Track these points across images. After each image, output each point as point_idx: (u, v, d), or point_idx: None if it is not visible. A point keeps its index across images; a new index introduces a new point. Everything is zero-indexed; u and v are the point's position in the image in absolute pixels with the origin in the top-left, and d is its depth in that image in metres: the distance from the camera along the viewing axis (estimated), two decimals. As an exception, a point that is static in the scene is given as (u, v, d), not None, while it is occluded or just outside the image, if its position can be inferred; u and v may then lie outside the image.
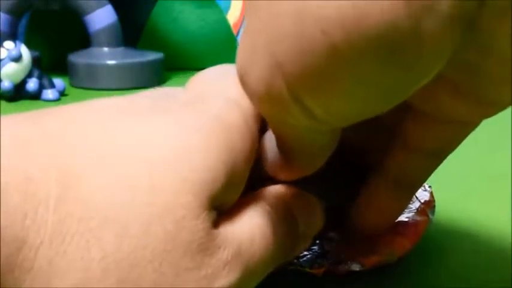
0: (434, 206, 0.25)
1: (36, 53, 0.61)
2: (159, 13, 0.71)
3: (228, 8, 0.72)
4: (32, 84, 0.56)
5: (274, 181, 0.20)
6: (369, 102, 0.14)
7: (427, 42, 0.12)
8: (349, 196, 0.22)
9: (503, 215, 0.29)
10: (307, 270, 0.22)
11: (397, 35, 0.12)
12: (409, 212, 0.24)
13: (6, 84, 0.55)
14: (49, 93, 0.57)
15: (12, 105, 0.55)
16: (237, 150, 0.17)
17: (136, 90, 0.62)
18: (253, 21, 0.14)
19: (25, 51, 0.56)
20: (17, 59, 0.55)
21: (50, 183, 0.15)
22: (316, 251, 0.22)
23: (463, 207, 0.30)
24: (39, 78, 0.57)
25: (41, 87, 0.57)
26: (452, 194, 0.31)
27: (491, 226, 0.28)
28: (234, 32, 0.72)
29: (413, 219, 0.24)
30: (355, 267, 0.22)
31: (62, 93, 0.59)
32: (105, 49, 0.64)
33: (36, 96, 0.57)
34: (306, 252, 0.22)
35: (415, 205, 0.25)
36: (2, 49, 0.54)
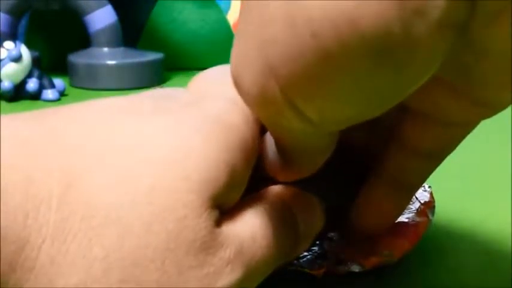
0: (434, 207, 0.25)
1: (36, 53, 0.61)
2: (159, 13, 0.71)
3: (228, 8, 0.72)
4: (32, 85, 0.56)
5: (276, 181, 0.20)
6: (363, 106, 0.14)
7: (419, 46, 0.12)
8: (349, 196, 0.22)
9: (503, 215, 0.29)
10: (307, 271, 0.22)
11: (389, 39, 0.12)
12: (409, 212, 0.24)
13: (6, 85, 0.55)
14: (49, 94, 0.57)
15: (12, 105, 0.55)
16: (237, 150, 0.17)
17: (136, 90, 0.62)
18: (245, 24, 0.14)
19: (25, 52, 0.56)
20: (17, 59, 0.55)
21: (52, 182, 0.15)
22: (316, 252, 0.22)
23: (463, 207, 0.30)
24: (39, 78, 0.57)
25: (41, 87, 0.57)
26: (452, 194, 0.31)
27: (491, 226, 0.28)
28: (234, 32, 0.71)
29: (413, 220, 0.24)
30: (355, 268, 0.22)
31: (62, 93, 0.59)
32: (105, 49, 0.64)
33: (36, 96, 0.57)
34: (305, 253, 0.22)
35: (415, 206, 0.25)
36: (2, 49, 0.54)
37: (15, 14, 0.63)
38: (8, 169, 0.15)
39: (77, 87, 0.63)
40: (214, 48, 0.72)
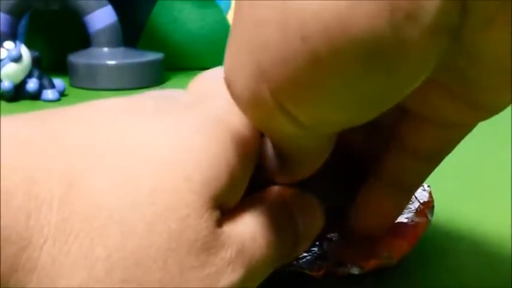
0: (433, 207, 0.25)
1: (36, 53, 0.61)
2: (159, 13, 0.71)
3: (228, 8, 0.72)
4: (32, 85, 0.56)
5: (276, 182, 0.20)
6: (354, 110, 0.14)
7: (411, 50, 0.12)
8: (348, 197, 0.22)
9: (503, 216, 0.29)
10: (307, 272, 0.22)
11: (380, 43, 0.12)
12: (409, 212, 0.24)
13: (6, 85, 0.55)
14: (49, 94, 0.57)
15: (12, 105, 0.55)
16: (238, 150, 0.17)
17: (136, 91, 0.62)
18: (238, 27, 0.14)
19: (25, 52, 0.56)
20: (17, 59, 0.55)
21: (53, 183, 0.15)
22: (315, 253, 0.22)
23: (462, 207, 0.30)
24: (39, 78, 0.57)
25: (41, 87, 0.57)
26: (451, 195, 0.31)
27: (491, 227, 0.28)
28: (234, 32, 0.71)
29: (412, 221, 0.24)
30: (355, 270, 0.22)
31: (62, 94, 0.59)
32: (105, 49, 0.64)
33: (36, 96, 0.57)
34: (305, 254, 0.22)
35: (414, 205, 0.25)
36: (2, 49, 0.54)
37: (15, 14, 0.63)
38: (9, 170, 0.15)
39: (77, 87, 0.63)
40: (214, 48, 0.72)
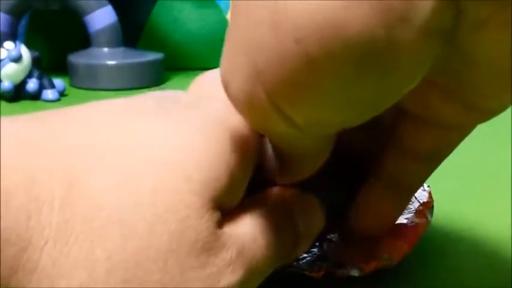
0: (432, 207, 0.25)
1: (36, 53, 0.61)
2: (159, 13, 0.71)
3: (228, 8, 0.72)
4: (32, 85, 0.56)
5: (276, 183, 0.20)
6: (350, 111, 0.14)
7: (404, 52, 0.12)
8: (349, 197, 0.22)
9: (503, 216, 0.29)
10: (307, 273, 0.22)
11: (374, 45, 0.12)
12: (408, 212, 0.24)
13: (6, 85, 0.55)
14: (49, 94, 0.57)
15: (12, 105, 0.55)
16: (238, 151, 0.17)
17: (136, 91, 0.62)
18: (234, 29, 0.14)
19: (25, 52, 0.56)
20: (17, 59, 0.55)
21: (54, 184, 0.15)
22: (315, 253, 0.22)
23: (462, 208, 0.30)
24: (39, 78, 0.57)
25: (41, 87, 0.57)
26: (451, 195, 0.31)
27: (491, 227, 0.28)
28: (234, 32, 0.71)
29: (412, 222, 0.24)
30: (355, 272, 0.22)
31: (62, 94, 0.59)
32: (105, 49, 0.64)
33: (36, 96, 0.57)
34: (305, 255, 0.22)
35: (414, 205, 0.25)
36: (2, 49, 0.54)
37: (15, 14, 0.63)
38: (10, 170, 0.15)
39: (77, 87, 0.63)
40: (214, 48, 0.71)
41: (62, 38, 0.71)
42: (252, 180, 0.18)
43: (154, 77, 0.65)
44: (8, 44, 0.55)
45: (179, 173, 0.16)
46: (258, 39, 0.13)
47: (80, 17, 0.64)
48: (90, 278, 0.15)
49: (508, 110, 0.18)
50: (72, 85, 0.64)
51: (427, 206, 0.25)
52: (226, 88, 0.15)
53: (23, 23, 0.69)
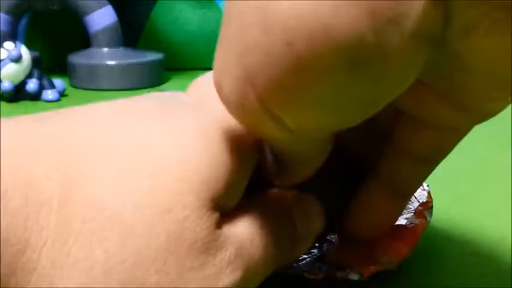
0: (431, 207, 0.25)
1: (36, 54, 0.61)
2: (159, 13, 0.71)
3: (228, 8, 0.72)
4: (32, 85, 0.56)
5: (276, 185, 0.20)
6: (340, 114, 0.14)
7: (393, 56, 0.12)
8: (348, 198, 0.22)
9: (503, 216, 0.29)
10: (306, 275, 0.22)
11: (363, 48, 0.12)
12: (408, 212, 0.24)
13: (6, 85, 0.55)
14: (49, 94, 0.57)
15: (13, 105, 0.55)
16: (237, 152, 0.17)
17: (136, 91, 0.62)
18: (226, 31, 0.14)
19: (25, 52, 0.56)
20: (17, 59, 0.55)
21: (53, 185, 0.15)
22: (315, 254, 0.22)
23: (462, 208, 0.30)
24: (39, 78, 0.57)
25: (41, 87, 0.57)
26: (452, 195, 0.31)
27: (492, 228, 0.28)
28: (234, 32, 0.71)
29: (411, 223, 0.24)
30: (354, 276, 0.22)
31: (62, 94, 0.59)
32: (105, 49, 0.64)
33: (36, 96, 0.57)
34: (305, 256, 0.22)
35: (413, 205, 0.25)
36: (2, 50, 0.54)
37: (15, 14, 0.63)
38: (9, 172, 0.15)
39: (77, 87, 0.63)
40: (214, 48, 0.71)
41: (62, 38, 0.71)
42: (252, 181, 0.18)
43: (154, 77, 0.65)
44: (8, 44, 0.55)
45: (178, 173, 0.16)
46: (248, 41, 0.13)
47: (80, 17, 0.64)
48: (89, 278, 0.15)
49: (508, 111, 0.18)
50: (72, 85, 0.64)
51: (427, 207, 0.25)
52: (219, 90, 0.15)
53: (23, 23, 0.69)
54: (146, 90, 0.61)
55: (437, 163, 0.20)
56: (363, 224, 0.21)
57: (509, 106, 0.17)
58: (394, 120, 0.19)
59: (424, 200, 0.25)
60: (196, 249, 0.16)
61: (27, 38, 0.69)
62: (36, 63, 0.58)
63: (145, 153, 0.16)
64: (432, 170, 0.20)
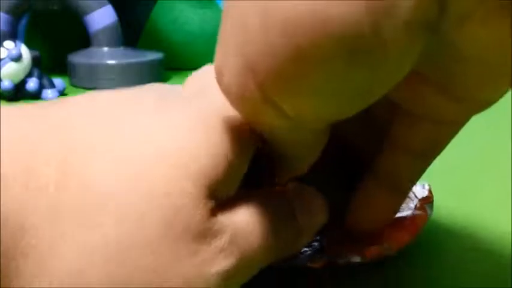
0: (432, 202, 0.25)
1: (36, 53, 0.61)
2: (159, 13, 0.71)
3: (228, 8, 0.72)
4: (32, 84, 0.56)
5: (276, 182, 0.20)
6: (339, 103, 0.14)
7: (390, 45, 0.12)
8: (344, 195, 0.22)
9: (503, 212, 0.29)
10: (308, 264, 0.22)
11: (359, 38, 0.12)
12: (408, 209, 0.24)
13: (7, 84, 0.55)
14: (49, 93, 0.57)
15: (13, 105, 0.55)
16: (236, 141, 0.17)
17: (136, 90, 0.62)
18: (226, 22, 0.14)
19: (25, 51, 0.56)
20: (17, 58, 0.55)
21: (50, 170, 0.15)
22: (316, 247, 0.22)
23: (463, 204, 0.30)
24: (39, 78, 0.57)
25: (41, 86, 0.57)
26: (452, 191, 0.31)
27: (492, 223, 0.28)
28: (234, 32, 0.72)
29: (411, 214, 0.24)
30: (355, 258, 0.22)
31: (62, 93, 0.59)
32: (105, 49, 0.64)
33: (36, 95, 0.57)
34: (306, 249, 0.22)
35: (414, 202, 0.25)
36: (2, 49, 0.54)
37: (16, 13, 0.63)
38: (7, 160, 0.15)
39: (77, 86, 0.63)
40: (214, 48, 0.71)
41: (62, 37, 0.71)
42: (252, 174, 0.18)
43: (154, 76, 0.65)
44: (8, 44, 0.55)
45: (176, 160, 0.16)
46: (249, 32, 0.13)
47: (80, 16, 0.64)
48: (85, 261, 0.15)
49: (508, 104, 0.18)
50: (72, 85, 0.64)
51: (427, 201, 0.25)
52: (219, 80, 0.15)
53: (23, 22, 0.69)
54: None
55: (434, 157, 0.20)
56: (362, 219, 0.22)
57: (509, 99, 0.17)
58: (391, 116, 0.19)
59: (425, 196, 0.25)
60: (191, 236, 0.16)
61: (27, 38, 0.69)
62: (36, 62, 0.58)
63: (143, 143, 0.16)
64: (429, 164, 0.20)
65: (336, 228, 0.22)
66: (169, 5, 0.71)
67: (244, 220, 0.17)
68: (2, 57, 0.54)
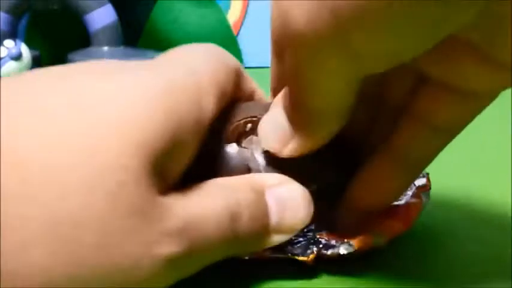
0: (429, 190, 0.25)
1: (36, 52, 0.61)
2: (159, 13, 0.71)
3: (228, 8, 0.72)
4: (31, 83, 0.56)
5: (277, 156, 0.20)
6: (409, 38, 0.15)
7: None
8: (347, 175, 0.22)
9: (503, 203, 0.29)
10: (299, 258, 0.21)
11: None
12: (405, 195, 0.24)
13: (6, 83, 0.55)
14: (49, 92, 0.57)
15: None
16: (186, 119, 0.17)
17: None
18: None
19: (25, 50, 0.56)
20: (17, 57, 0.55)
21: None
22: (310, 237, 0.22)
23: (462, 195, 0.30)
24: (39, 76, 0.57)
25: (41, 85, 0.57)
26: (451, 182, 0.31)
27: (491, 214, 0.28)
28: (234, 32, 0.72)
29: (406, 202, 0.24)
30: (344, 249, 0.21)
31: (62, 92, 0.59)
32: (105, 48, 0.64)
33: (36, 94, 0.57)
34: (300, 239, 0.22)
35: (411, 190, 0.25)
36: (2, 48, 0.55)
37: (16, 13, 0.63)
38: None
39: (76, 86, 0.63)
40: (214, 48, 0.72)
41: (62, 37, 0.71)
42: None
43: (154, 76, 0.65)
44: (8, 43, 0.55)
45: (118, 132, 0.16)
46: None
47: (79, 16, 0.64)
48: (26, 237, 0.14)
49: (508, 99, 0.18)
50: (72, 84, 0.64)
51: (424, 189, 0.25)
52: (286, 20, 0.15)
53: (23, 22, 0.69)
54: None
55: (454, 135, 0.20)
56: (368, 196, 0.21)
57: (509, 99, 0.17)
58: (414, 89, 0.19)
59: (422, 184, 0.25)
60: (133, 213, 0.15)
61: (27, 37, 0.69)
62: (36, 61, 0.58)
63: (86, 111, 0.16)
64: (447, 143, 0.20)
65: (328, 213, 0.22)
66: (169, 4, 0.71)
67: (200, 207, 0.17)
68: (2, 56, 0.54)
